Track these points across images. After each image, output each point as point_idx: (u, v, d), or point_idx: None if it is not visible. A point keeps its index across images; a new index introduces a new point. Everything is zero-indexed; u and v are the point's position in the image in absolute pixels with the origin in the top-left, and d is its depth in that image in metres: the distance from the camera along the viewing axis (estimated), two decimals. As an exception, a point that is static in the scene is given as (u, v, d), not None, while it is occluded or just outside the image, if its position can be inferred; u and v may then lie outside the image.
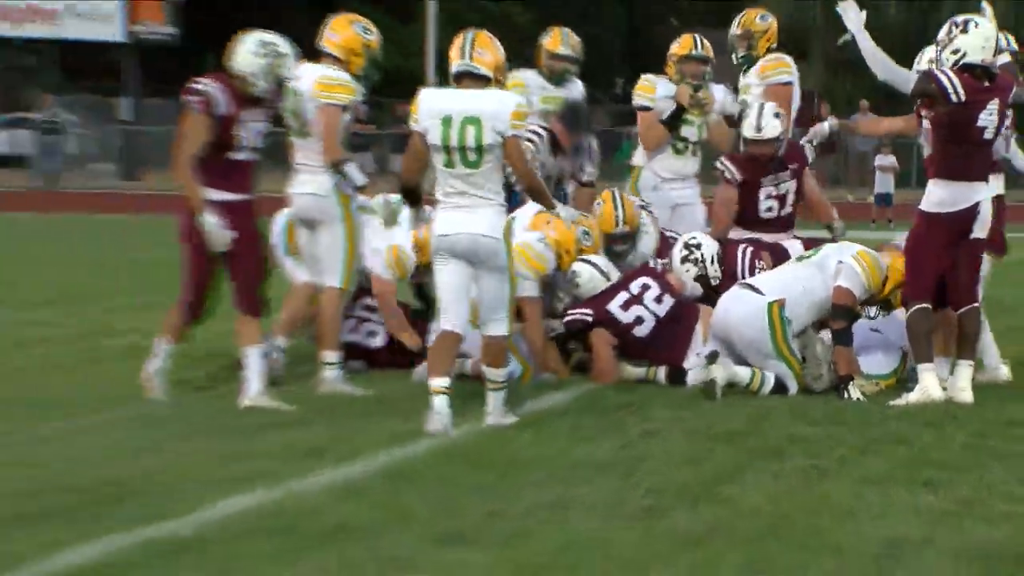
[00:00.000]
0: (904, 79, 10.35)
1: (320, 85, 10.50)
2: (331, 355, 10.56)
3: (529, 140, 11.18)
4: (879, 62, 10.44)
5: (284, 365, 10.95)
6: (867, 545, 6.63)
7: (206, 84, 9.84)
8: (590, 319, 10.99)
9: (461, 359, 10.59)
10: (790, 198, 12.02)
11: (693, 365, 10.72)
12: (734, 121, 12.49)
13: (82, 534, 6.55)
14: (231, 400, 10.11)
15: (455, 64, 9.32)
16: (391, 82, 50.44)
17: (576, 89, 12.91)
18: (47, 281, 17.18)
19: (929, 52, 10.79)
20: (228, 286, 10.21)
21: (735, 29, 13.02)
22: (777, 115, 11.66)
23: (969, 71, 10.12)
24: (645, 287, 11.08)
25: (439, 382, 8.98)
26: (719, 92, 12.73)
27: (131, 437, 8.79)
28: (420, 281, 11.51)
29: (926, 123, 10.52)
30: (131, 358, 11.70)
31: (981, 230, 10.25)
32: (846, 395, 10.29)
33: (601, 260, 11.40)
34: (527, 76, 12.85)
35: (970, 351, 10.39)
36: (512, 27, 47.67)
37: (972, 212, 10.19)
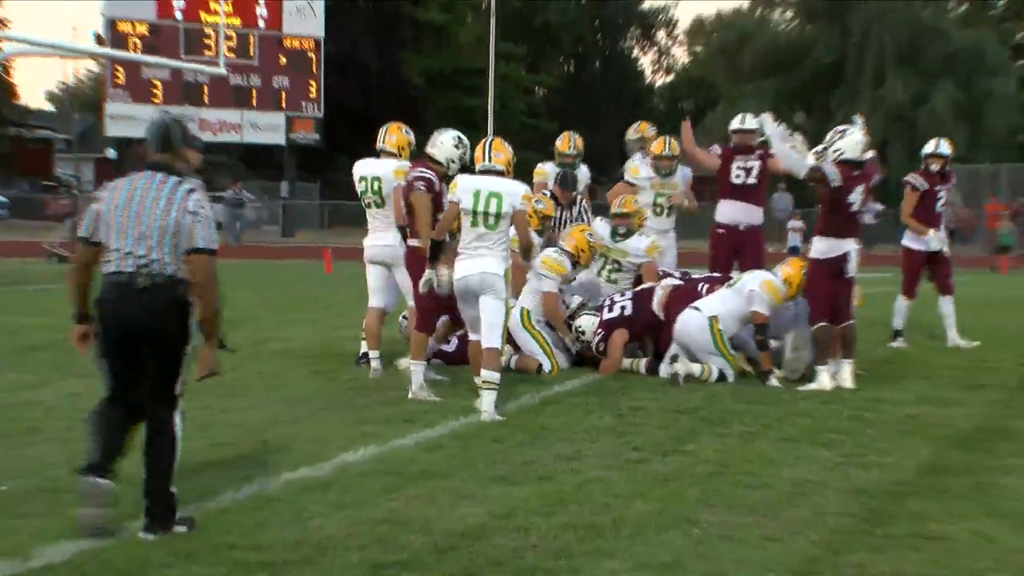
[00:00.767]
0: (800, 168, 10.41)
1: (397, 172, 10.24)
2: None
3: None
4: (784, 157, 10.53)
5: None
6: (783, 484, 6.60)
7: (428, 172, 9.48)
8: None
9: (507, 356, 10.61)
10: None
11: (664, 363, 10.68)
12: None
13: (244, 477, 6.55)
14: (350, 384, 10.08)
15: (480, 164, 9.18)
16: (464, 170, 50.69)
17: (583, 173, 12.83)
18: (233, 305, 17.20)
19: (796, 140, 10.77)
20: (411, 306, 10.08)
21: (632, 135, 12.92)
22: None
23: (844, 164, 10.15)
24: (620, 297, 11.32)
25: (489, 375, 8.74)
26: (683, 175, 12.63)
27: (281, 411, 8.77)
28: None
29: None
30: (284, 356, 11.73)
31: (851, 271, 10.24)
32: (769, 382, 10.24)
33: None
34: (547, 166, 12.85)
35: (851, 353, 10.33)
36: (542, 133, 47.73)
37: (844, 258, 10.19)
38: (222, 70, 32.52)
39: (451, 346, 11.14)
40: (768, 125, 10.49)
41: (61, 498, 6.02)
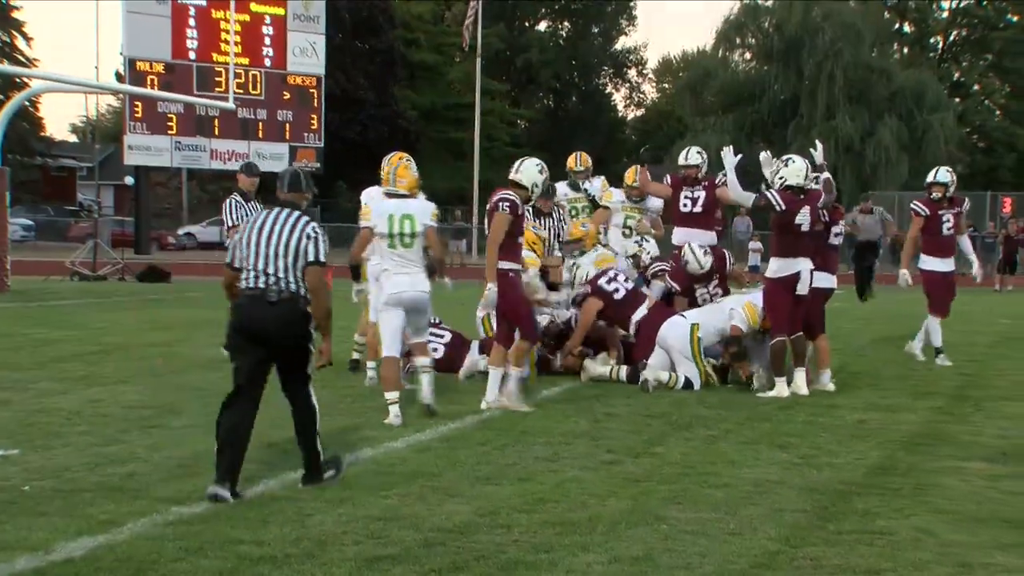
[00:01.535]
0: (747, 199, 10.60)
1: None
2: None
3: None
4: (733, 188, 10.57)
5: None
6: (744, 483, 6.59)
7: (512, 195, 9.23)
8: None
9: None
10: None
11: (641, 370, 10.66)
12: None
13: (248, 478, 6.52)
14: (346, 392, 10.02)
15: (386, 187, 9.21)
16: (455, 197, 50.82)
17: (594, 186, 12.73)
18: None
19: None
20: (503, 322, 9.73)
21: (580, 167, 12.76)
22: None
23: (789, 190, 10.21)
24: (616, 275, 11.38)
25: (392, 395, 8.61)
26: (654, 202, 12.63)
27: (283, 417, 8.71)
28: None
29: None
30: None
31: (803, 289, 10.24)
32: (752, 387, 10.36)
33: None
34: (559, 186, 12.57)
35: (802, 362, 10.38)
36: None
37: (796, 277, 10.21)
38: (231, 105, 32.41)
39: (438, 353, 11.10)
40: (728, 159, 10.53)
41: (80, 498, 6.00)
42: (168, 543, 5.18)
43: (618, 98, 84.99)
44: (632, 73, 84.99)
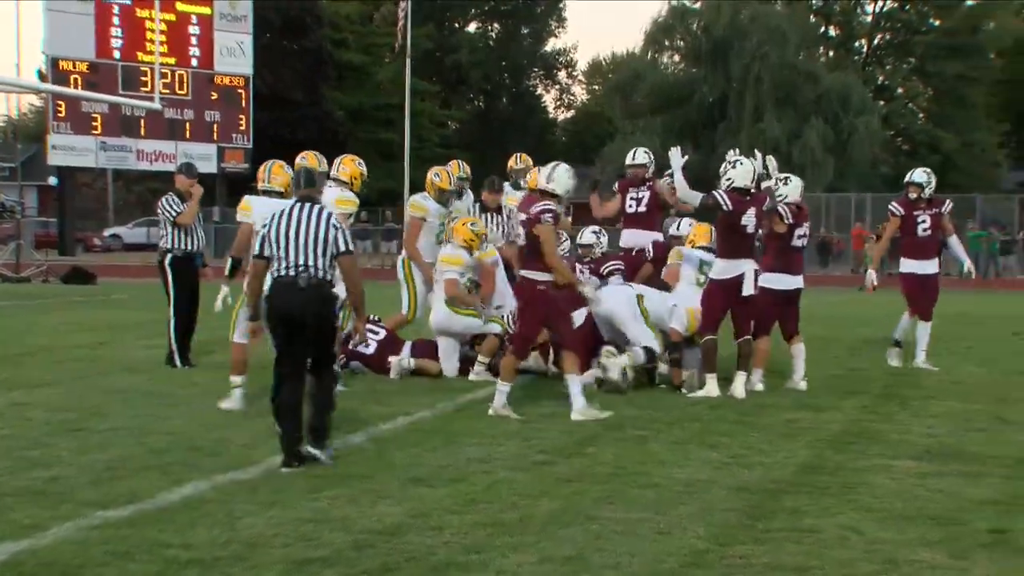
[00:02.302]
0: (694, 198, 10.42)
1: (339, 201, 10.01)
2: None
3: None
4: (682, 188, 10.51)
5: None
6: (675, 483, 6.62)
7: (552, 204, 9.03)
8: None
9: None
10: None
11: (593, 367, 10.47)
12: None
13: (176, 481, 6.42)
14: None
15: (261, 185, 9.37)
16: (383, 198, 50.58)
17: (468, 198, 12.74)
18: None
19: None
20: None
21: (519, 165, 12.78)
22: None
23: (736, 191, 10.20)
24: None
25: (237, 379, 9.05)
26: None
27: (214, 419, 8.63)
28: None
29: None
30: (221, 368, 11.52)
31: (748, 290, 10.20)
32: (684, 391, 10.29)
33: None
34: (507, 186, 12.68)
35: (744, 365, 10.34)
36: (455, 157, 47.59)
37: (740, 279, 10.16)
38: (157, 105, 32.01)
39: (371, 348, 11.05)
40: (675, 158, 10.48)
41: (2, 502, 5.91)
42: (94, 547, 5.10)
43: (548, 100, 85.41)
44: (562, 75, 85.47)
